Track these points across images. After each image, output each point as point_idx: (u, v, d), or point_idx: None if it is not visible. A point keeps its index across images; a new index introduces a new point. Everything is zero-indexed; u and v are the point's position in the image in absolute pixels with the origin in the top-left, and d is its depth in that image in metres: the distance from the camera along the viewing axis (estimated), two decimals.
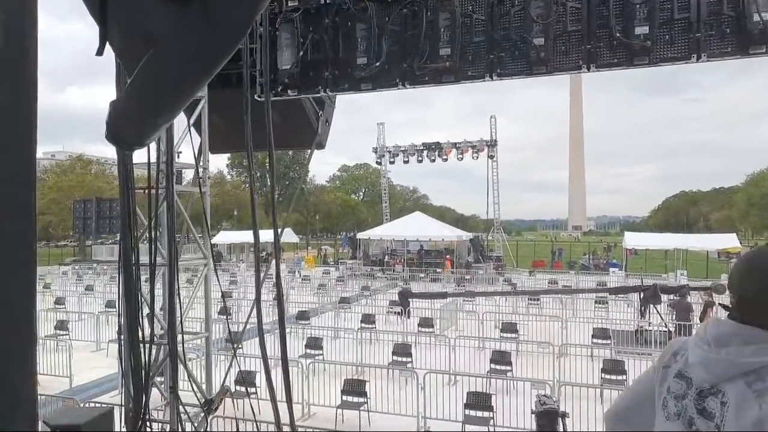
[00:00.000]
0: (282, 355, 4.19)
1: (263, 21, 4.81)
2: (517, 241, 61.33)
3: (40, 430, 4.35)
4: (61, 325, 16.13)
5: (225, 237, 49.52)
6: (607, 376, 11.35)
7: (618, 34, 3.74)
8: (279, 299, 4.31)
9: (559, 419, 3.93)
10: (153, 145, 4.83)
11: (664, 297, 15.69)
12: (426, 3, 4.24)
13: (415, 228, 39.52)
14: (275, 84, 4.69)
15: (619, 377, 11.28)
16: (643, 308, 15.68)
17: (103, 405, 6.07)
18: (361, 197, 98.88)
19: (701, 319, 15.96)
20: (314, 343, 13.86)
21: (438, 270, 35.63)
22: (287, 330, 14.64)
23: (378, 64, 4.34)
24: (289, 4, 4.85)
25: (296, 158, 77.14)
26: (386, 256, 40.65)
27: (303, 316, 18.01)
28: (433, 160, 41.71)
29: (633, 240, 39.87)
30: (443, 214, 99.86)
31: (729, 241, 36.74)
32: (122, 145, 2.72)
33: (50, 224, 56.50)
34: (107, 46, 2.79)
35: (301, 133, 5.93)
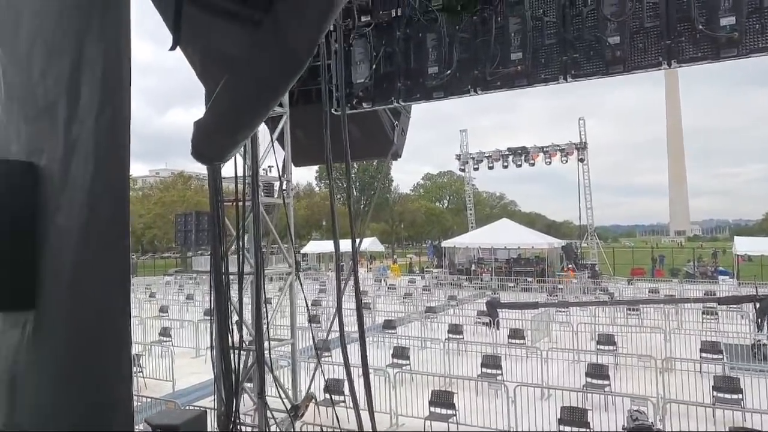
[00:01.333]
0: (363, 365, 4.27)
1: (338, 37, 4.98)
2: (613, 248, 58.29)
3: (142, 429, 4.70)
4: (165, 332, 17.33)
5: (314, 247, 51.01)
6: (720, 395, 10.36)
7: (701, 27, 3.51)
8: (358, 308, 4.41)
9: None
10: (240, 160, 5.13)
11: None
12: (495, 9, 4.21)
13: (502, 235, 38.65)
14: (350, 97, 4.83)
15: (735, 396, 10.25)
16: (759, 320, 14.40)
17: (199, 408, 6.46)
18: (446, 205, 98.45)
19: None
20: (401, 353, 13.91)
21: (529, 279, 34.57)
22: (374, 339, 14.84)
23: (449, 72, 4.36)
24: (362, 20, 4.99)
25: (380, 168, 78.29)
26: (473, 265, 40.01)
27: (389, 325, 18.13)
28: (519, 165, 40.76)
29: (744, 245, 36.65)
30: (533, 221, 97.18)
31: None
32: (205, 161, 2.98)
33: (155, 237, 60.87)
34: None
35: (377, 144, 6.04)
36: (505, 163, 41.35)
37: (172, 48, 2.79)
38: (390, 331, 17.35)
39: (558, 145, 40.20)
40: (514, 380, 11.26)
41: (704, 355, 13.39)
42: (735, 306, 18.94)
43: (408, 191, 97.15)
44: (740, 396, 10.25)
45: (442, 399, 10.26)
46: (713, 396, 10.43)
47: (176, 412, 6.32)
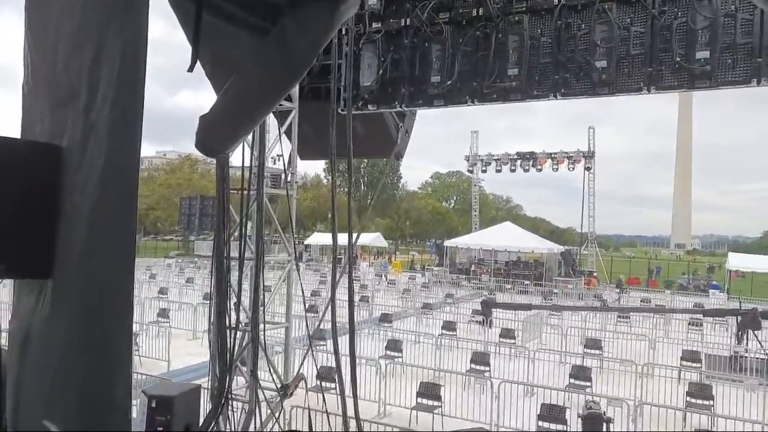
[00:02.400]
0: (350, 353, 4.61)
1: (349, 41, 5.30)
2: (612, 257, 58.53)
3: (139, 400, 5.06)
4: (163, 313, 17.65)
5: (318, 238, 51.29)
6: (693, 400, 10.81)
7: (678, 58, 3.82)
8: (350, 299, 4.75)
9: (605, 424, 4.02)
10: (248, 151, 5.45)
11: (766, 323, 14.66)
12: (497, 26, 4.52)
13: (503, 238, 38.99)
14: (357, 99, 5.15)
15: (706, 402, 10.71)
16: (740, 333, 14.75)
17: (193, 384, 6.79)
18: (453, 205, 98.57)
19: None
20: (394, 345, 14.27)
21: (526, 282, 34.90)
22: (370, 331, 15.18)
23: (450, 82, 4.68)
24: (373, 26, 5.31)
25: (389, 164, 78.46)
26: (473, 265, 40.37)
27: (386, 318, 18.49)
28: (527, 170, 40.89)
29: (737, 261, 36.88)
30: (537, 226, 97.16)
31: None
32: (208, 153, 3.34)
33: (159, 219, 60.95)
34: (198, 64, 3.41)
35: (381, 144, 6.36)
36: (513, 167, 41.52)
37: (190, 69, 3.14)
38: (386, 325, 17.71)
39: (566, 153, 40.32)
40: (500, 377, 11.61)
41: (684, 363, 13.77)
42: (720, 318, 19.28)
43: (416, 189, 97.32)
44: (711, 402, 10.68)
45: (430, 391, 10.61)
46: (686, 401, 10.87)
47: (172, 385, 6.68)
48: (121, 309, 2.37)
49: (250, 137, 5.87)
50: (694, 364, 13.70)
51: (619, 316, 20.68)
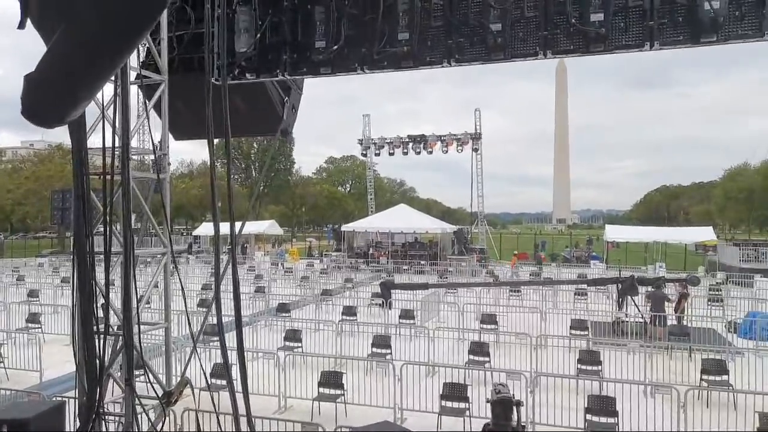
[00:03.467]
0: (238, 348, 4.12)
1: (221, 2, 4.69)
2: (500, 234, 61.61)
3: None
4: (33, 318, 15.80)
5: (207, 229, 49.08)
6: (583, 367, 11.45)
7: (574, 21, 3.68)
8: (235, 290, 4.24)
9: (514, 408, 3.91)
10: (109, 130, 4.71)
11: (642, 288, 15.85)
12: None
13: (399, 220, 39.60)
14: (233, 67, 4.58)
15: (595, 367, 11.37)
16: (620, 299, 15.85)
17: (56, 399, 5.96)
18: (348, 189, 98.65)
19: (676, 310, 16.14)
20: (293, 336, 13.79)
21: (422, 262, 35.66)
22: (266, 323, 14.53)
23: (336, 47, 4.26)
24: None
25: (282, 149, 76.67)
26: (370, 249, 40.63)
27: (283, 308, 17.90)
28: (419, 153, 41.85)
29: (613, 233, 40.33)
30: (430, 207, 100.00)
31: (706, 234, 37.67)
32: (40, 122, 2.55)
33: (28, 215, 55.56)
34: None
35: (265, 120, 5.82)
36: (405, 150, 42.30)
37: (21, 26, 2.43)
38: (283, 315, 17.14)
39: (454, 135, 41.66)
40: (402, 359, 11.55)
41: (573, 332, 14.58)
42: (602, 287, 20.74)
43: (311, 174, 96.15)
44: (599, 368, 11.35)
45: (331, 379, 10.30)
46: (578, 368, 11.44)
47: (26, 404, 5.79)
48: None
49: (110, 113, 5.10)
50: (582, 332, 14.54)
51: (511, 291, 21.57)
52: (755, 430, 8.04)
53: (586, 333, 14.51)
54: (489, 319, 15.99)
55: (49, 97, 2.56)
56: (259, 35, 4.45)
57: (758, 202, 53.05)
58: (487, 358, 12.10)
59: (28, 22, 2.79)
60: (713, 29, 3.38)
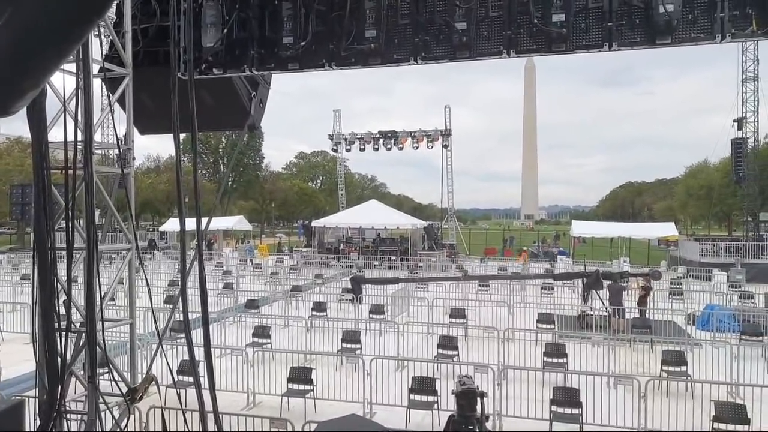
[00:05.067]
0: (204, 345, 4.11)
1: None
2: (470, 230, 62.25)
3: None
4: None
5: (175, 224, 48.28)
6: (549, 359, 11.68)
7: (536, 21, 3.77)
8: (202, 286, 4.22)
9: (479, 399, 4.00)
10: (71, 123, 4.62)
11: (606, 282, 16.25)
12: None
13: (370, 216, 39.58)
14: (199, 62, 4.55)
15: (561, 360, 11.62)
16: (585, 293, 16.21)
17: (15, 398, 5.83)
18: (319, 185, 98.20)
19: (639, 304, 16.61)
20: (261, 332, 13.70)
21: (393, 258, 35.79)
22: (235, 320, 14.38)
23: (304, 44, 4.27)
24: None
25: (251, 144, 75.85)
26: (341, 244, 40.59)
27: (252, 304, 17.75)
28: (389, 149, 41.89)
29: (580, 228, 41.17)
30: (401, 203, 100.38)
31: (668, 229, 38.79)
32: None
33: None
34: None
35: (232, 114, 5.78)
36: (376, 146, 42.28)
37: None
38: (252, 311, 17.00)
39: (425, 131, 41.86)
40: (372, 354, 11.60)
41: (540, 325, 14.87)
42: (568, 281, 21.18)
43: (281, 169, 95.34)
44: (565, 360, 11.61)
45: (301, 375, 10.28)
46: (544, 361, 11.68)
47: None
48: None
49: (72, 106, 5.01)
50: (548, 326, 14.84)
51: (480, 285, 21.84)
52: (710, 417, 8.36)
53: (552, 326, 14.82)
54: (458, 313, 16.18)
55: None
56: (226, 30, 4.42)
57: (717, 198, 54.81)
58: (455, 352, 12.24)
59: None
60: (668, 31, 3.50)
